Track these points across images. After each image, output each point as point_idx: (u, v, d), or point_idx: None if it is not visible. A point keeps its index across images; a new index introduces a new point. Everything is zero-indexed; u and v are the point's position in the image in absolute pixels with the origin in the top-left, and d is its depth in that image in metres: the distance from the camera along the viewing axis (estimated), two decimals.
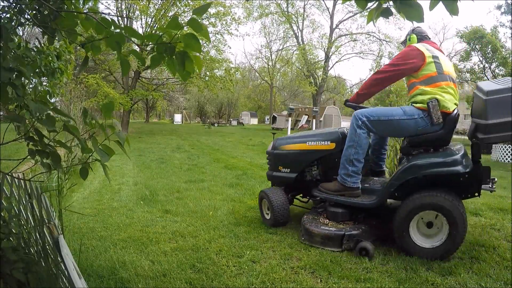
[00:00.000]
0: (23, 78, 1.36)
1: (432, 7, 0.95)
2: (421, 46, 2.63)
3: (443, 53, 2.78)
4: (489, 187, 2.65)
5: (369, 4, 1.00)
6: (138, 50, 1.48)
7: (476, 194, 2.53)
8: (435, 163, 2.44)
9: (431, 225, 2.54)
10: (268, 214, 3.28)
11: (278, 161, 3.30)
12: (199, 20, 1.09)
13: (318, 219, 2.93)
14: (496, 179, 2.76)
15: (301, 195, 3.57)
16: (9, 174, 1.60)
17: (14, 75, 1.27)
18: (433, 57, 2.56)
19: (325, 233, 2.70)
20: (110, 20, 1.20)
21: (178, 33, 1.11)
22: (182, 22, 1.10)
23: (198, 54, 1.18)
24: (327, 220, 2.87)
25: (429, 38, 2.85)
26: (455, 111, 2.57)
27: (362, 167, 2.74)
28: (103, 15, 1.27)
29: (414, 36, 2.81)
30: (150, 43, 1.20)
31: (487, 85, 2.57)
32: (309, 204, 3.80)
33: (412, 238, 2.53)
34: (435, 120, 2.48)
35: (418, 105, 2.56)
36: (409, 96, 2.68)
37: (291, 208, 3.47)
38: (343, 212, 2.79)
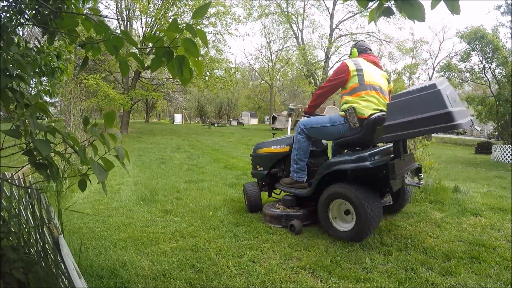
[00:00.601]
0: (22, 84, 1.36)
1: (433, 6, 0.95)
2: (349, 62, 3.02)
3: (377, 65, 3.17)
4: (416, 183, 2.97)
5: (370, 4, 1.00)
6: (137, 51, 1.48)
7: (391, 189, 2.81)
8: (342, 161, 2.86)
9: (348, 212, 2.92)
10: (248, 202, 3.92)
11: (256, 161, 3.95)
12: (199, 20, 1.10)
13: (274, 204, 3.57)
14: (422, 175, 3.09)
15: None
16: (8, 180, 1.60)
17: (14, 79, 1.27)
18: (357, 70, 2.92)
19: (272, 213, 3.37)
20: (106, 25, 1.20)
21: (178, 36, 1.11)
22: (182, 23, 1.10)
23: (197, 59, 1.18)
24: (281, 206, 3.49)
25: (370, 50, 3.25)
26: (373, 116, 2.83)
27: (304, 165, 3.29)
28: (101, 18, 1.27)
29: (355, 50, 3.25)
30: (149, 44, 1.20)
31: (407, 89, 2.81)
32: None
33: (331, 221, 2.99)
34: (351, 125, 2.88)
35: (341, 113, 2.99)
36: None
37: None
38: (290, 199, 3.41)
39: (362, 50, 3.22)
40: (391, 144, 2.94)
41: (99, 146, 1.28)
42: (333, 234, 2.96)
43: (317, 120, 3.15)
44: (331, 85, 3.07)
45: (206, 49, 19.25)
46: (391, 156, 2.84)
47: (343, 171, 2.91)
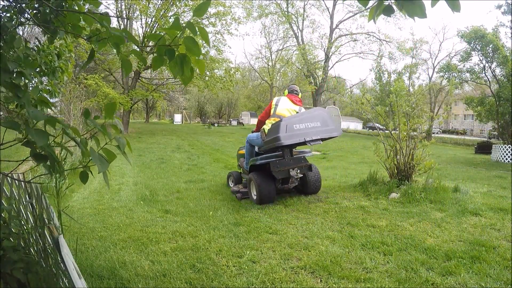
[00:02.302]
0: (23, 79, 1.36)
1: (433, 3, 0.95)
2: (274, 99, 4.63)
3: (294, 102, 4.55)
4: (295, 175, 4.27)
5: (371, 3, 1.00)
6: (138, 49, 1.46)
7: (276, 177, 4.31)
8: (254, 159, 4.46)
9: None
10: (232, 183, 5.53)
11: (238, 157, 5.66)
12: (199, 20, 1.09)
13: (238, 185, 5.17)
14: (298, 170, 4.28)
15: None
16: (9, 175, 1.60)
17: (14, 75, 1.26)
18: (275, 105, 4.48)
19: (232, 189, 5.08)
20: (106, 25, 1.19)
21: (179, 34, 1.11)
22: (183, 23, 1.09)
23: (198, 57, 1.17)
24: (241, 185, 5.11)
25: (296, 92, 4.69)
26: None
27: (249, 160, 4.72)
28: (102, 14, 1.26)
29: (286, 91, 4.76)
30: (150, 43, 1.19)
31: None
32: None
33: (251, 193, 4.54)
34: (263, 139, 4.32)
35: (263, 130, 4.36)
36: None
37: None
38: (244, 182, 5.05)
39: (290, 91, 4.71)
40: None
41: (101, 140, 1.27)
42: (252, 201, 4.47)
43: (253, 135, 4.72)
44: (264, 112, 4.61)
45: (207, 49, 19.26)
46: (280, 158, 4.35)
47: (255, 165, 4.47)
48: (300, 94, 4.80)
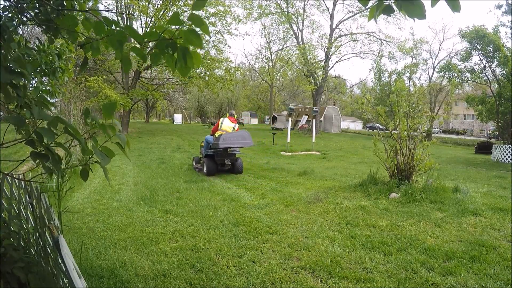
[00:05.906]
0: (23, 79, 1.35)
1: (433, 3, 0.95)
2: (221, 119, 7.59)
3: (231, 121, 7.49)
4: (227, 163, 7.22)
5: (371, 3, 1.00)
6: (138, 46, 1.46)
7: (218, 161, 7.27)
8: (207, 151, 7.28)
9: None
10: (194, 163, 8.22)
11: (200, 147, 8.22)
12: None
13: (198, 164, 8.05)
14: (229, 161, 7.20)
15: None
16: (10, 174, 1.60)
17: (14, 76, 1.26)
18: (221, 123, 7.43)
19: (194, 166, 8.16)
20: (111, 19, 1.20)
21: (179, 28, 1.11)
22: (185, 20, 1.10)
23: (199, 50, 1.18)
24: (199, 164, 8.03)
25: (233, 114, 7.85)
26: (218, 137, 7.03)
27: (207, 150, 7.36)
28: (105, 12, 1.26)
29: (227, 114, 7.78)
30: (151, 41, 1.19)
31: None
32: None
33: (203, 169, 7.52)
34: (214, 142, 6.94)
35: (215, 136, 7.24)
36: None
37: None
38: (202, 162, 7.65)
39: (229, 114, 7.68)
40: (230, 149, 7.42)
41: (100, 140, 1.27)
42: (203, 173, 7.14)
43: (209, 137, 7.37)
44: (216, 125, 7.37)
45: (207, 48, 19.23)
46: (221, 152, 7.09)
47: (208, 154, 7.19)
48: (235, 115, 7.91)
